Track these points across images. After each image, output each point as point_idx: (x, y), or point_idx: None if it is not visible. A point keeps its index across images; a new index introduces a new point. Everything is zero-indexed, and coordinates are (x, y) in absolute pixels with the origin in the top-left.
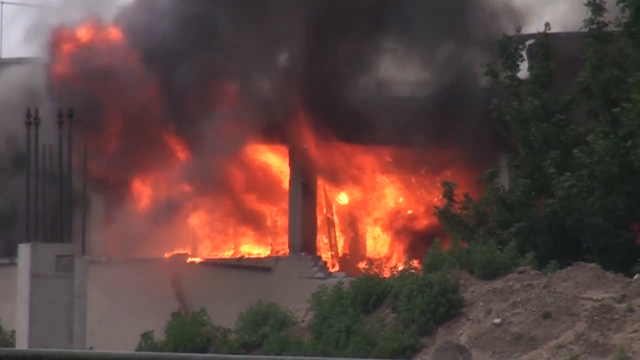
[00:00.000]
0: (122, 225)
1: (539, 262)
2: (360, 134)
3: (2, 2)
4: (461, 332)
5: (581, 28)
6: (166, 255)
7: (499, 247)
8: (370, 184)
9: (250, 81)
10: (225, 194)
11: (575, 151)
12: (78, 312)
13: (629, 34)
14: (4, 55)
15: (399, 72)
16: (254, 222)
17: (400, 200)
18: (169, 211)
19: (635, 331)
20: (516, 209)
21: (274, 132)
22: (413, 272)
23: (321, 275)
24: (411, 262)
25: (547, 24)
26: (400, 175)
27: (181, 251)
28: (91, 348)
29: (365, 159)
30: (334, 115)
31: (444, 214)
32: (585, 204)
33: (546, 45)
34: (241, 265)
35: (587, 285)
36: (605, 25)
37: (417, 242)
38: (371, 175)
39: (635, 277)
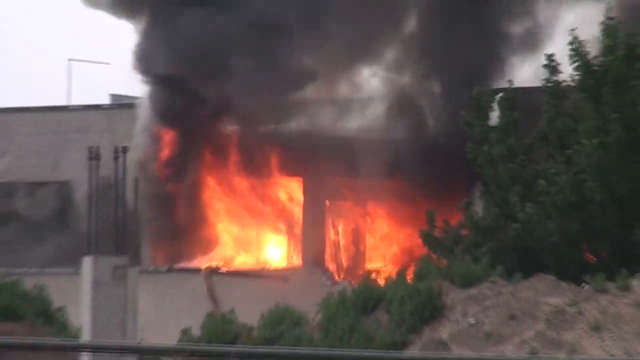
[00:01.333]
0: (167, 238)
1: (506, 275)
2: (362, 170)
3: (70, 60)
4: (443, 330)
5: (542, 83)
6: (202, 266)
7: (474, 262)
8: (369, 211)
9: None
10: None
11: (541, 181)
12: (130, 313)
13: (580, 89)
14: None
15: (393, 118)
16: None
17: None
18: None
19: (583, 330)
20: (487, 232)
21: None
22: (404, 282)
23: (328, 283)
24: (403, 273)
25: (510, 81)
26: (391, 204)
27: (214, 263)
28: (142, 340)
29: (363, 191)
30: (340, 153)
31: (427, 237)
32: (544, 227)
33: (511, 99)
34: (263, 275)
35: (545, 293)
36: (560, 83)
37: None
38: (368, 205)
39: (584, 286)
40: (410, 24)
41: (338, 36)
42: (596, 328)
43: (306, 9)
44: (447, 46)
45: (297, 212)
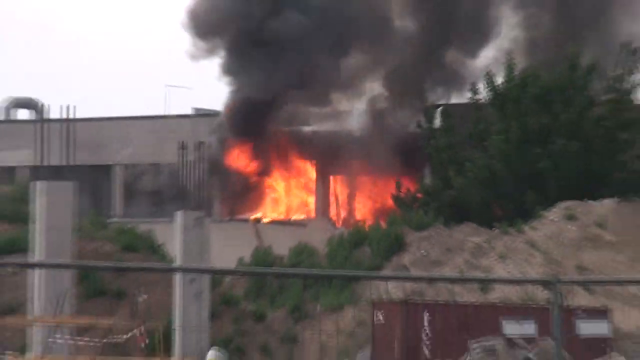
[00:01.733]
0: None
1: (446, 223)
2: (355, 156)
3: (168, 86)
4: (405, 259)
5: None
6: (250, 216)
7: (425, 215)
8: (357, 183)
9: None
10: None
11: (468, 163)
12: (206, 248)
13: (492, 105)
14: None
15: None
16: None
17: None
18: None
19: (494, 258)
20: (434, 196)
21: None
22: (380, 227)
23: (332, 229)
24: (379, 222)
25: (447, 99)
26: (372, 178)
27: (259, 214)
28: (212, 264)
29: (355, 170)
30: (341, 145)
31: (395, 198)
32: (470, 193)
33: (448, 110)
34: (290, 222)
35: (470, 235)
36: (479, 100)
37: (381, 211)
38: (358, 178)
39: (494, 230)
40: (396, 52)
41: (349, 65)
42: (502, 257)
43: (328, 56)
44: (420, 70)
45: (313, 182)
